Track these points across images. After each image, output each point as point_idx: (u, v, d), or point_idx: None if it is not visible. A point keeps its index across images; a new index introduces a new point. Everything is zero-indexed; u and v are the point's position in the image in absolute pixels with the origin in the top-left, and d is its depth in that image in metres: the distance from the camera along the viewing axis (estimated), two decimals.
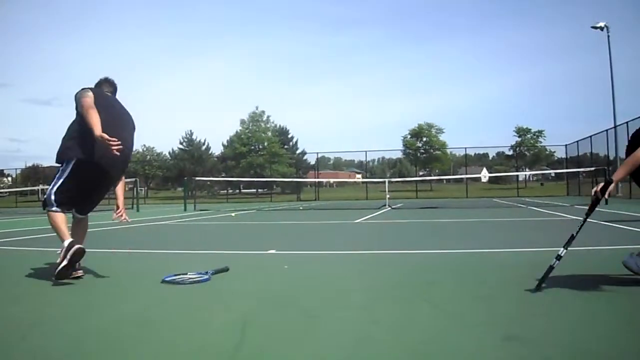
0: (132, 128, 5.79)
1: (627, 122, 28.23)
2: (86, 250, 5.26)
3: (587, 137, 37.46)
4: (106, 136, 4.99)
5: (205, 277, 5.12)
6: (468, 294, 4.38)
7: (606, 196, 4.32)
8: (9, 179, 69.16)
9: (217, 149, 73.98)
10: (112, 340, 3.25)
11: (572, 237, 4.41)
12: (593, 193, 4.35)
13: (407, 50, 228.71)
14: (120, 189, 5.89)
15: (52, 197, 5.38)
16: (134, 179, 32.28)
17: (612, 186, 4.26)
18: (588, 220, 4.41)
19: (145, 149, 79.28)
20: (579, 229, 4.44)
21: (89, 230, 6.09)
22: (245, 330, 3.39)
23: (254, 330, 3.41)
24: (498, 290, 4.48)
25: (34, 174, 63.25)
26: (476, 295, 4.35)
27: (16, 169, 70.55)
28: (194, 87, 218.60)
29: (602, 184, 4.32)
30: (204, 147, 73.63)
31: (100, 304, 4.33)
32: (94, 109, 5.21)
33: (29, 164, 74.24)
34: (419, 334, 3.27)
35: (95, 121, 5.10)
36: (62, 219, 5.36)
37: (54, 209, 5.37)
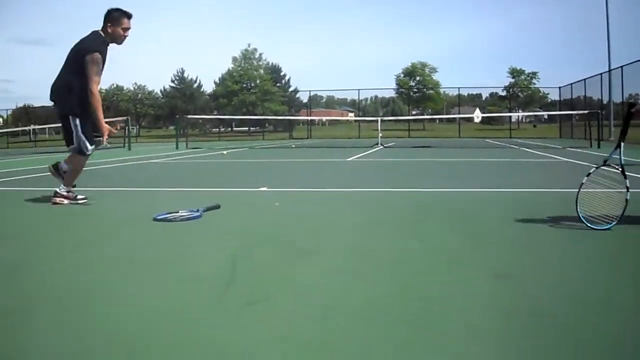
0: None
1: (621, 67, 28.00)
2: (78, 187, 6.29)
3: (581, 80, 37.19)
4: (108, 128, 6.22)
5: (197, 214, 5.12)
6: (458, 232, 4.42)
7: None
8: (0, 120, 68.43)
9: (209, 87, 73.20)
10: (101, 278, 3.26)
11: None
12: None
13: None
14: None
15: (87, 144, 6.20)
16: (125, 118, 32.02)
17: None
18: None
19: (136, 88, 78.26)
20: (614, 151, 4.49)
21: (89, 168, 6.87)
22: (236, 267, 3.41)
23: (246, 267, 3.43)
24: (488, 229, 4.52)
25: (25, 115, 62.58)
26: (466, 233, 4.38)
27: (7, 109, 69.66)
28: (186, 24, 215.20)
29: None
30: (195, 85, 72.88)
31: (90, 243, 4.34)
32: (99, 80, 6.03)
33: (20, 105, 73.41)
34: (409, 270, 3.30)
35: (100, 111, 6.11)
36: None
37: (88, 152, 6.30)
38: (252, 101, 62.27)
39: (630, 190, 4.28)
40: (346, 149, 20.93)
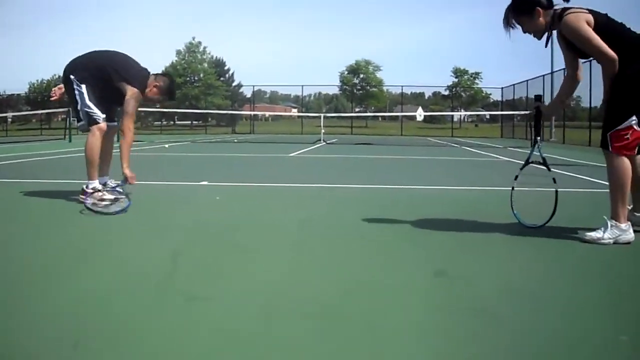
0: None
1: (563, 69, 28.59)
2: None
3: (524, 81, 37.85)
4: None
5: (123, 198, 5.15)
6: (399, 229, 4.46)
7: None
8: None
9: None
10: (41, 271, 3.18)
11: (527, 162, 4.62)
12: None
13: None
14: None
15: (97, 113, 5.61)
16: (66, 109, 31.19)
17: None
18: (522, 162, 4.55)
19: None
20: (533, 148, 4.61)
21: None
22: (176, 262, 3.36)
23: (185, 262, 3.38)
24: (429, 227, 4.57)
25: None
26: (407, 230, 4.43)
27: None
28: (132, 15, 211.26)
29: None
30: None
31: (26, 236, 4.23)
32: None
33: None
34: (349, 268, 3.30)
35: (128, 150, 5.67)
36: None
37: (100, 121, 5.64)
38: (195, 95, 61.56)
39: (556, 181, 4.44)
40: (289, 145, 20.89)
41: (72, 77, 5.51)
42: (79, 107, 5.51)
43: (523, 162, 4.57)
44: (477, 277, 3.11)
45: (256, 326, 2.30)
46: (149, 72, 5.78)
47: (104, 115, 5.57)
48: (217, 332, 2.23)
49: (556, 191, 4.36)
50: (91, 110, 5.48)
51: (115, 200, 5.18)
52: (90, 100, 5.48)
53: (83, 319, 2.34)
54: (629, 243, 3.86)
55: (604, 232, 3.87)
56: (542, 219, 4.37)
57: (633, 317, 2.49)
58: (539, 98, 4.84)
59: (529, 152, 4.63)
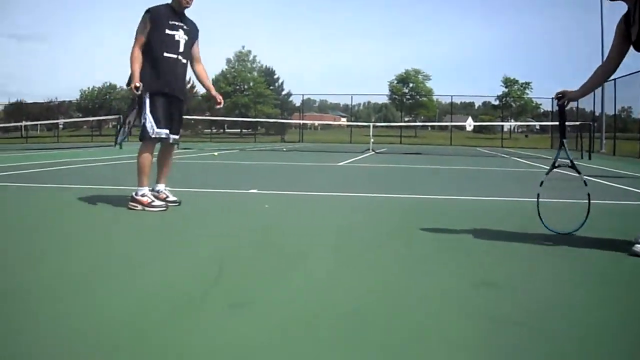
0: None
1: (614, 79, 27.99)
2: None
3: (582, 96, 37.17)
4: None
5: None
6: (441, 239, 4.44)
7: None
8: None
9: (202, 88, 72.94)
10: (89, 276, 3.26)
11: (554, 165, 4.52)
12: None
13: None
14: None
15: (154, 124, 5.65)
16: (117, 116, 31.86)
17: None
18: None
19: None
20: (559, 152, 4.52)
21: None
22: (222, 268, 3.41)
23: (232, 268, 3.44)
24: (473, 238, 4.53)
25: (17, 110, 62.09)
26: (449, 240, 4.40)
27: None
28: None
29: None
30: (189, 86, 72.50)
31: (79, 239, 4.34)
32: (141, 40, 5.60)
33: (12, 101, 72.69)
34: (389, 276, 3.32)
35: (134, 67, 5.54)
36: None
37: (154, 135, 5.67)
38: (245, 103, 62.24)
39: (587, 184, 4.36)
40: (338, 154, 20.93)
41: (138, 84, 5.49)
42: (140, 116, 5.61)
43: (586, 175, 4.46)
44: (518, 289, 3.09)
45: (299, 334, 2.34)
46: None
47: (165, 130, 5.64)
48: (260, 338, 2.27)
49: (588, 194, 4.25)
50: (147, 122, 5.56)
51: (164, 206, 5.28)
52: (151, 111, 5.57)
53: (126, 324, 2.41)
54: None
55: None
56: (575, 225, 4.28)
57: None
58: (560, 97, 4.50)
59: (555, 155, 4.52)
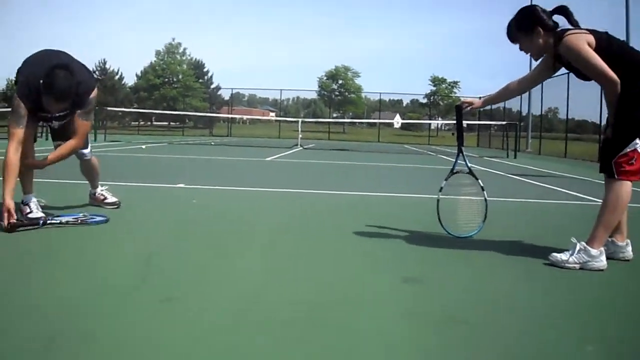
0: None
1: (542, 82, 28.74)
2: None
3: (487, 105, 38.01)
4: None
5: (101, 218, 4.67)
6: (372, 236, 4.53)
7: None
8: None
9: (130, 80, 71.60)
10: (17, 273, 3.20)
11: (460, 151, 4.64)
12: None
13: None
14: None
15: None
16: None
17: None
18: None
19: None
20: (457, 157, 4.65)
21: None
22: (150, 264, 3.40)
23: (159, 264, 3.43)
24: (401, 233, 4.65)
25: None
26: (380, 235, 4.50)
27: None
28: (110, 14, 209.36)
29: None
30: (117, 77, 71.10)
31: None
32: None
33: None
34: (319, 273, 3.40)
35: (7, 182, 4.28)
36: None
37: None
38: (174, 96, 61.37)
39: (485, 190, 4.47)
40: (266, 149, 20.92)
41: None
42: None
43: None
44: (447, 284, 3.24)
45: (227, 330, 2.37)
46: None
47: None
48: (188, 334, 2.30)
49: (485, 200, 4.39)
50: None
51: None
52: None
53: (58, 320, 2.39)
54: (600, 270, 3.57)
55: (570, 255, 3.63)
56: (473, 229, 4.44)
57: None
58: (459, 108, 4.59)
59: (454, 161, 4.63)
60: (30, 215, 4.53)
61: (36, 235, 4.14)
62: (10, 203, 4.13)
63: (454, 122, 4.64)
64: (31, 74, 4.38)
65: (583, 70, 3.73)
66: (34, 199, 4.69)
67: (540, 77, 4.24)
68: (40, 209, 4.66)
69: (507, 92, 4.47)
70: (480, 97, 4.64)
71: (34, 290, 2.82)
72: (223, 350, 2.13)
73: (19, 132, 4.34)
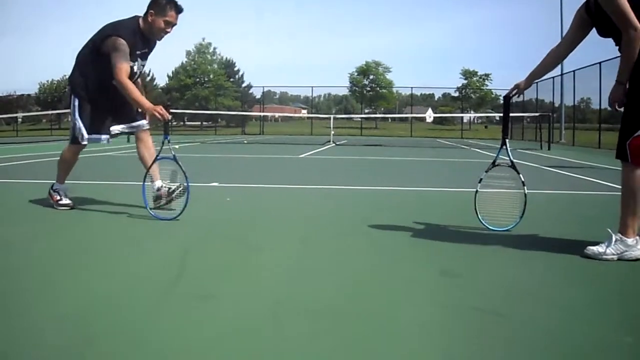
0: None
1: (574, 71, 28.30)
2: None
3: (534, 83, 37.56)
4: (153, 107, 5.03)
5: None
6: (406, 230, 4.50)
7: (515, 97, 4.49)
8: None
9: (162, 80, 72.36)
10: (55, 270, 3.26)
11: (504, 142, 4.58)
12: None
13: None
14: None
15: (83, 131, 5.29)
16: None
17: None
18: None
19: None
20: (499, 150, 4.57)
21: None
22: (185, 262, 3.43)
23: (195, 262, 3.46)
24: (434, 228, 4.63)
25: None
26: (414, 230, 4.48)
27: None
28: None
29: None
30: (148, 78, 71.83)
31: (43, 235, 4.30)
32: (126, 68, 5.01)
33: None
34: (357, 266, 3.38)
35: (136, 95, 5.06)
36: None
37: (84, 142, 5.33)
38: (205, 96, 61.73)
39: (525, 184, 4.38)
40: (298, 146, 20.93)
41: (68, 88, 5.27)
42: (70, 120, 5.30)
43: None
44: (481, 277, 3.20)
45: (263, 325, 2.37)
46: (134, 16, 5.26)
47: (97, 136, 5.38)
48: (224, 330, 2.31)
49: (525, 194, 4.32)
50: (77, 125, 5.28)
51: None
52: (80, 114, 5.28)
53: (91, 320, 2.41)
54: (637, 260, 3.47)
55: (607, 246, 3.51)
56: (511, 222, 4.38)
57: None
58: (507, 98, 4.57)
59: (496, 154, 4.52)
60: (61, 202, 5.30)
61: (73, 232, 4.22)
62: (150, 105, 5.04)
63: (487, 115, 4.57)
64: (129, 20, 5.21)
65: (609, 11, 3.47)
66: (63, 189, 5.41)
67: (576, 37, 3.99)
68: (67, 197, 5.39)
69: (549, 60, 4.27)
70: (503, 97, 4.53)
71: (61, 289, 2.85)
72: (260, 346, 2.13)
73: (126, 67, 4.98)
